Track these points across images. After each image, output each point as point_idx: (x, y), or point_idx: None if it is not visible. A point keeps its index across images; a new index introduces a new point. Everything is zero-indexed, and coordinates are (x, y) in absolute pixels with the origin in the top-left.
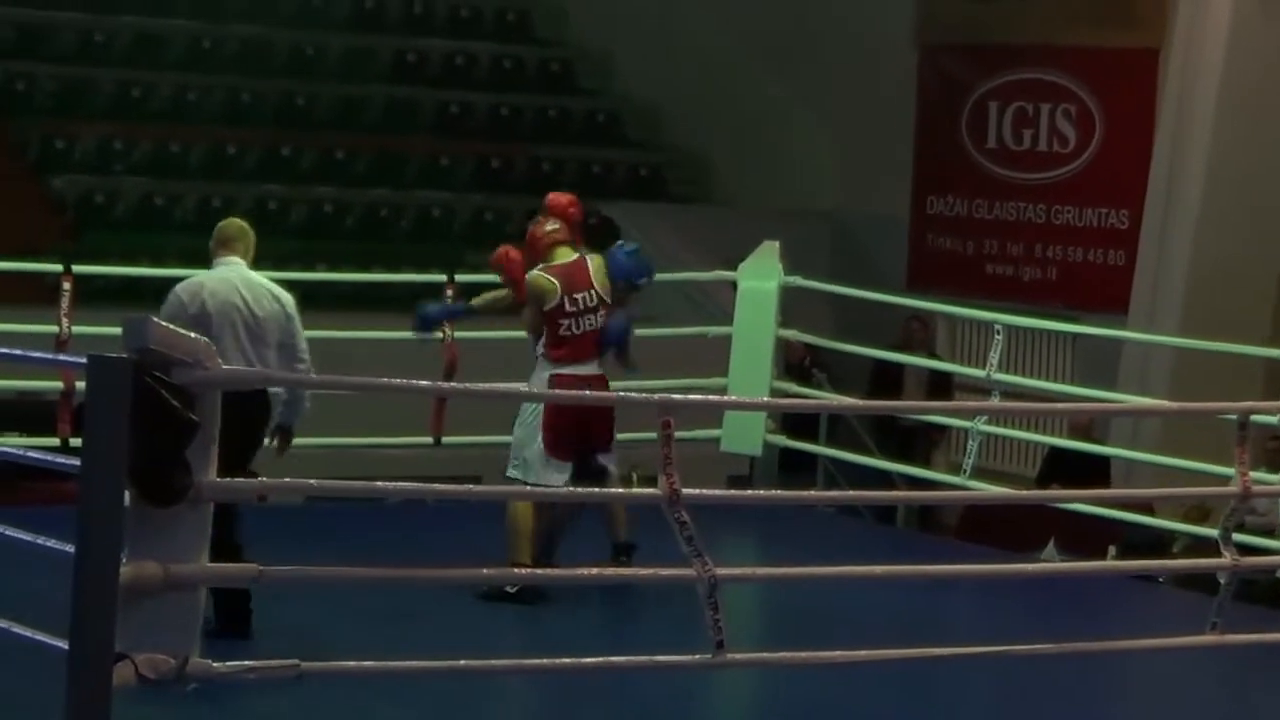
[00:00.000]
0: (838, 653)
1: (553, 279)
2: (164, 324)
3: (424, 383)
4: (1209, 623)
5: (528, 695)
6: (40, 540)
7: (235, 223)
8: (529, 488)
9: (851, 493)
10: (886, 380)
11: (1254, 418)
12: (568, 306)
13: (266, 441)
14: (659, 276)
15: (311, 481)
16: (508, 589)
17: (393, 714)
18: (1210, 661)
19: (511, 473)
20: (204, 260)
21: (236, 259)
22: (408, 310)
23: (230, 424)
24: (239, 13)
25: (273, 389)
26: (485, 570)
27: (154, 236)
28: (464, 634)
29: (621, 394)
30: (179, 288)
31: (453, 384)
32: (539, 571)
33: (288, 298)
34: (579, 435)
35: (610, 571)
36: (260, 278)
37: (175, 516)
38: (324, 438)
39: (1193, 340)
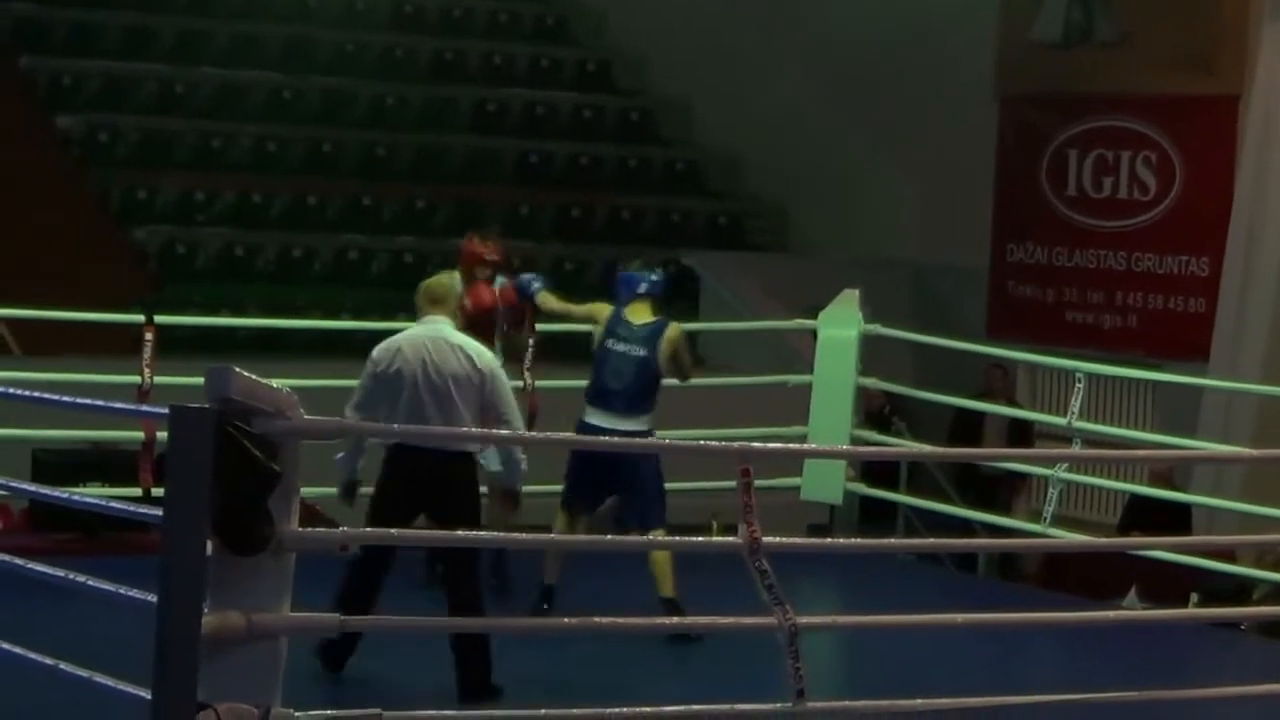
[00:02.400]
0: (919, 701)
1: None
2: (245, 374)
3: (505, 432)
4: None
5: None
6: (123, 590)
7: (442, 281)
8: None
9: (932, 540)
10: (966, 428)
11: None
12: None
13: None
14: (740, 325)
15: (393, 531)
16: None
17: None
18: None
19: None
20: (283, 311)
21: (441, 318)
22: None
23: (416, 485)
24: (320, 63)
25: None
26: (567, 620)
27: (235, 287)
28: (543, 682)
29: (702, 442)
30: (378, 346)
31: (535, 433)
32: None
33: (489, 358)
34: None
35: (689, 621)
36: (461, 337)
37: (257, 566)
38: None
39: (1275, 388)
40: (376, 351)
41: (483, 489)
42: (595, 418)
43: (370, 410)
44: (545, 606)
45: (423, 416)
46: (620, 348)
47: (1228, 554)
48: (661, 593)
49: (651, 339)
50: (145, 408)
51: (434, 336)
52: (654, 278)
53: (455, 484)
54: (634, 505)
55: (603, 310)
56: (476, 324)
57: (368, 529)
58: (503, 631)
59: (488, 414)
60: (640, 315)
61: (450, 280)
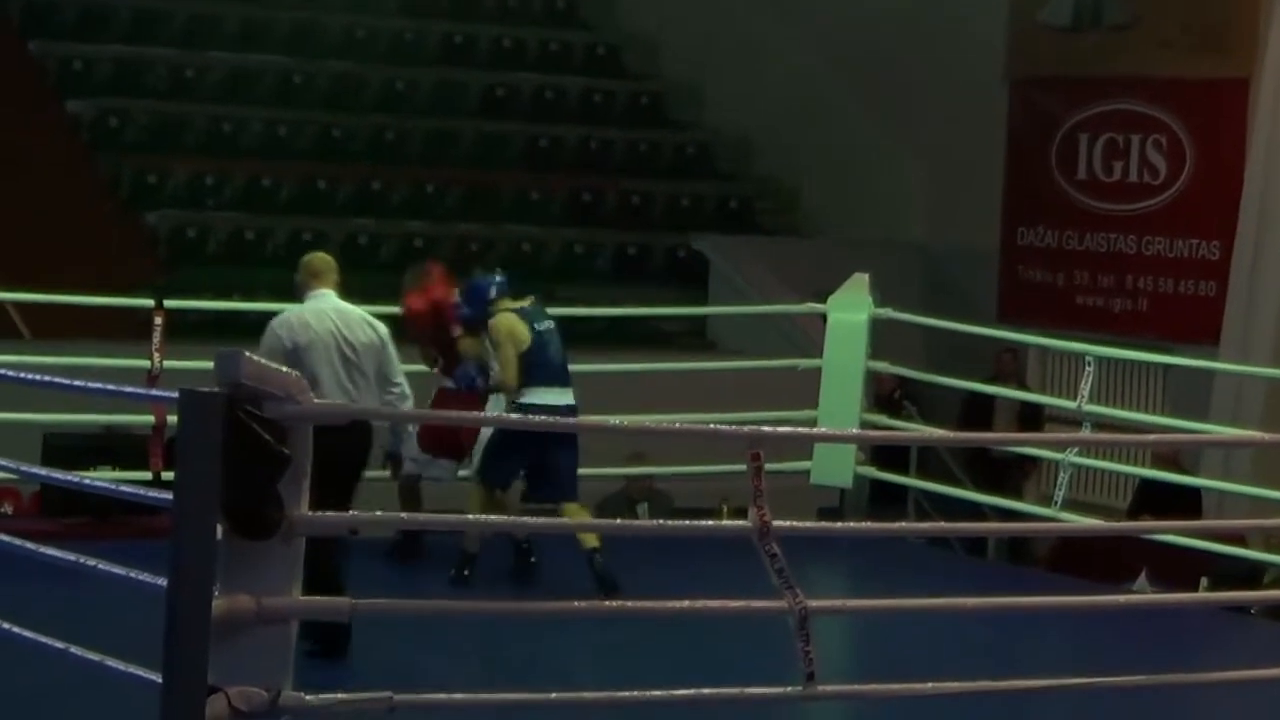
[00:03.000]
0: (929, 685)
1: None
2: (256, 358)
3: (514, 416)
4: None
5: None
6: (133, 574)
7: (322, 256)
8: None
9: (942, 524)
10: (977, 412)
11: None
12: None
13: (384, 471)
14: (750, 309)
15: (403, 515)
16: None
17: None
18: None
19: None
20: (293, 295)
21: (328, 290)
22: None
23: (331, 456)
24: (330, 48)
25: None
26: (576, 603)
27: (245, 271)
28: (554, 666)
29: (712, 426)
30: (275, 323)
31: (544, 419)
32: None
33: (382, 327)
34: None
35: (701, 605)
36: (353, 307)
37: (267, 550)
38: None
39: None
40: (281, 329)
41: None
42: (551, 396)
43: None
44: (466, 574)
45: (344, 388)
46: (545, 326)
47: (1238, 538)
48: (588, 545)
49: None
50: (155, 392)
51: (338, 309)
52: (499, 278)
53: (357, 454)
54: (558, 480)
55: (512, 322)
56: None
57: (378, 513)
58: (518, 616)
59: (380, 381)
60: (520, 301)
61: (327, 255)
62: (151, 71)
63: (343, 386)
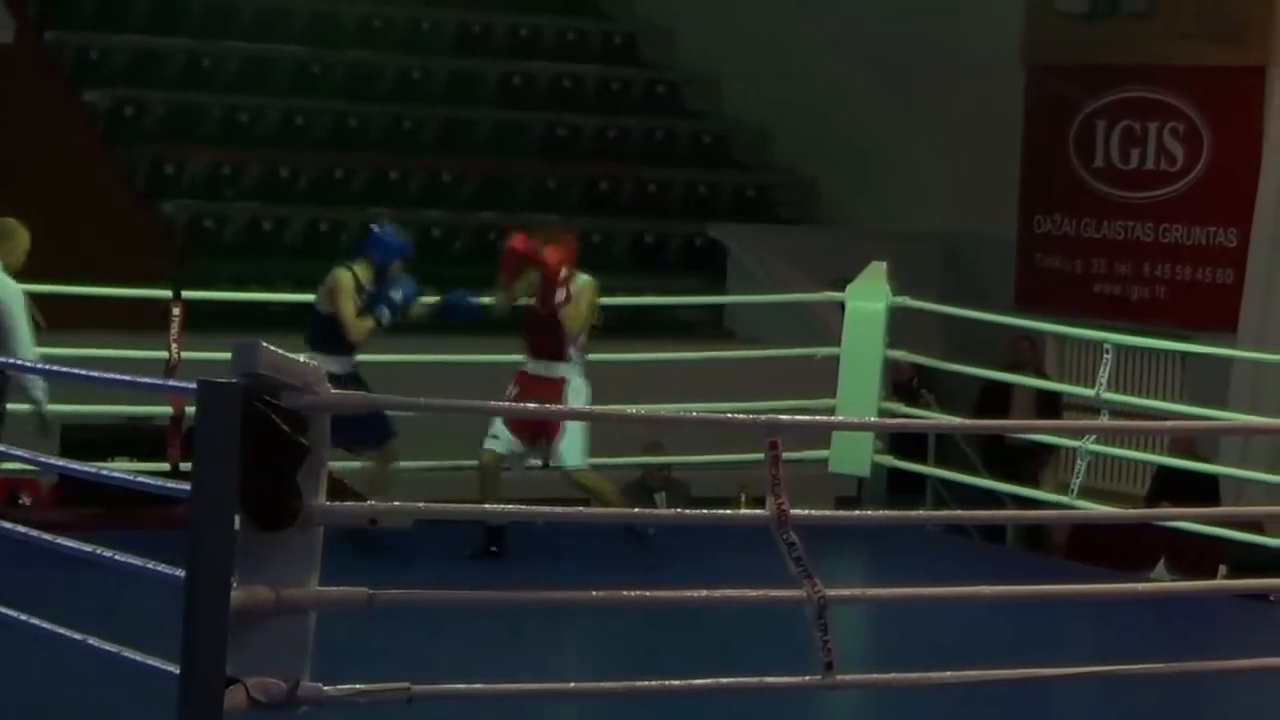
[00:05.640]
0: (947, 673)
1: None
2: (272, 348)
3: (533, 405)
4: None
5: (636, 716)
6: (151, 565)
7: (9, 220)
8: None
9: (960, 512)
10: (995, 400)
11: None
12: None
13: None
14: (768, 297)
15: (420, 505)
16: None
17: None
18: None
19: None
20: (311, 285)
21: None
22: (517, 333)
23: None
24: (347, 37)
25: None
26: (594, 592)
27: (263, 261)
28: (572, 656)
29: (730, 415)
30: None
31: (564, 407)
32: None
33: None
34: None
35: (720, 594)
36: None
37: (285, 541)
38: (432, 460)
39: None
40: None
41: None
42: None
43: None
44: (494, 549)
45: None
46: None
47: (1256, 525)
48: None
49: None
50: (173, 382)
51: None
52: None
53: None
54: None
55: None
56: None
57: (396, 503)
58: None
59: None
60: None
61: (14, 221)
62: (168, 61)
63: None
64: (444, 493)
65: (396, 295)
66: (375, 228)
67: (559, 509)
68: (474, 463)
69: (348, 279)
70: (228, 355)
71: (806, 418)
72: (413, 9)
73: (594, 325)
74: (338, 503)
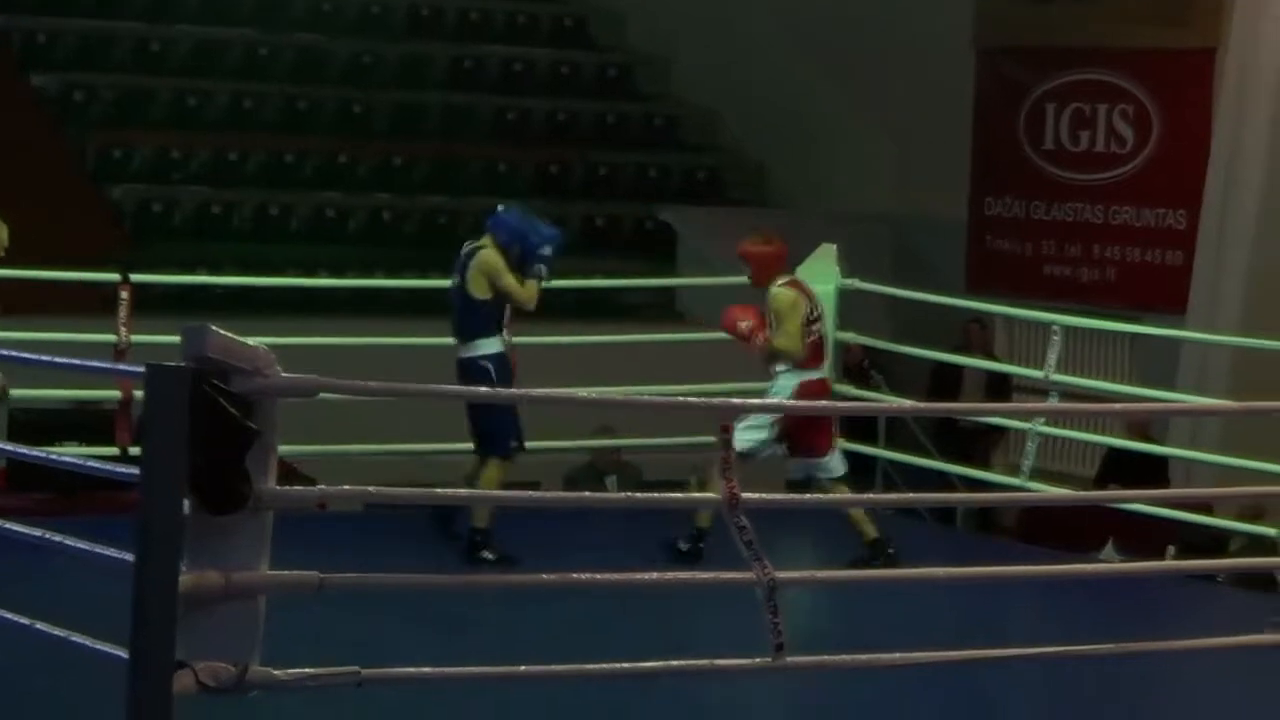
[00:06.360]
0: (897, 655)
1: (795, 291)
2: (222, 332)
3: (484, 389)
4: (1267, 621)
5: (587, 698)
6: (100, 549)
7: None
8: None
9: (910, 495)
10: (945, 382)
11: None
12: (811, 315)
13: None
14: (718, 280)
15: (370, 489)
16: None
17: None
18: (1268, 660)
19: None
20: (260, 269)
21: None
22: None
23: None
24: (296, 21)
25: None
26: (544, 575)
27: (211, 245)
28: (522, 639)
29: (681, 398)
30: None
31: (512, 390)
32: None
33: None
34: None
35: (670, 576)
36: None
37: (235, 525)
38: (383, 444)
39: (1252, 339)
40: None
41: None
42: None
43: None
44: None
45: None
46: None
47: (1205, 506)
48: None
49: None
50: (122, 366)
51: None
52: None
53: None
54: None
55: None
56: None
57: (346, 487)
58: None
59: None
60: None
61: None
62: (116, 45)
63: None
64: (395, 477)
65: (545, 249)
66: (500, 209)
67: (511, 493)
68: (427, 446)
69: (496, 256)
70: (177, 339)
71: (757, 401)
72: None
73: None
74: (288, 487)
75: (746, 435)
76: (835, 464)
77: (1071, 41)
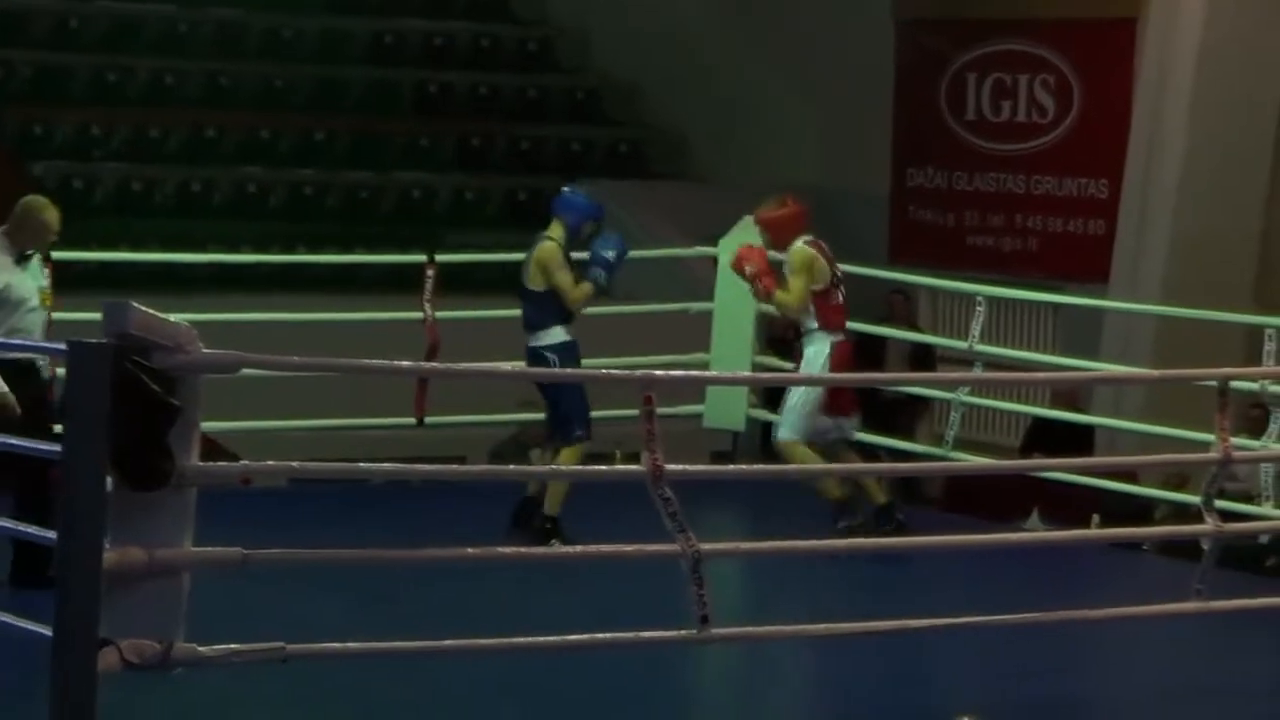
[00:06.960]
0: (821, 625)
1: (813, 250)
2: (143, 309)
3: (406, 363)
4: (1192, 589)
5: (513, 672)
6: (22, 527)
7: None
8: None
9: (834, 466)
10: (868, 353)
11: (1234, 384)
12: (835, 279)
13: None
14: (642, 253)
15: (294, 464)
16: None
17: (379, 694)
18: (1193, 627)
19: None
20: (182, 245)
21: None
22: (389, 291)
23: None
24: None
25: None
26: (469, 549)
27: (133, 222)
28: (449, 614)
29: (604, 370)
30: None
31: (435, 364)
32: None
33: None
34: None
35: (594, 549)
36: None
37: (158, 501)
38: (307, 420)
39: (1174, 308)
40: None
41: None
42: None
43: None
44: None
45: None
46: None
47: (1130, 475)
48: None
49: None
50: (44, 344)
51: None
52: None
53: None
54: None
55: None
56: None
57: (270, 462)
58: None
59: None
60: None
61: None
62: (35, 22)
63: None
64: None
65: (609, 254)
66: (566, 190)
67: (431, 466)
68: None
69: (555, 250)
70: (98, 316)
71: (680, 373)
72: None
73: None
74: (210, 463)
75: (791, 421)
76: (854, 427)
77: (992, 12)
